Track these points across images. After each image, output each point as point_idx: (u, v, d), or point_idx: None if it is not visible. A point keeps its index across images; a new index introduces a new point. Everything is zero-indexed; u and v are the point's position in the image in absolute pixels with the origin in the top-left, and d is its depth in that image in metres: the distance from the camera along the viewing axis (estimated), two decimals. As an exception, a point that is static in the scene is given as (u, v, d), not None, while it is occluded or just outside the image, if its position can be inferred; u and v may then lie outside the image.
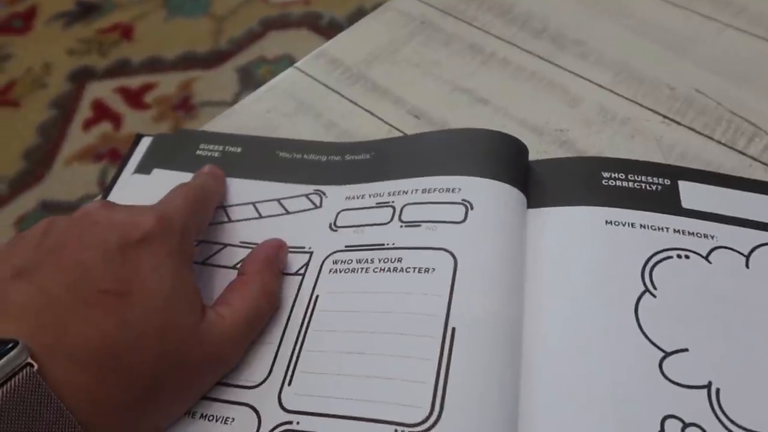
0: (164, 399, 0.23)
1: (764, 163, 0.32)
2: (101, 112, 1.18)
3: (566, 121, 0.35)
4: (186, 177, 0.34)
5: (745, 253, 0.27)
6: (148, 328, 0.22)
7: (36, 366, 0.19)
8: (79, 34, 1.35)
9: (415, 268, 0.26)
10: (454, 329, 0.24)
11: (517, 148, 0.31)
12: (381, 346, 0.24)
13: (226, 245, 0.30)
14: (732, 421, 0.22)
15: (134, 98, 1.19)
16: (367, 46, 0.40)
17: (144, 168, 0.34)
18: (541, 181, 0.30)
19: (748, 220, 0.28)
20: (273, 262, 0.28)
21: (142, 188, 0.34)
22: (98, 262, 0.22)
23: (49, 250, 0.23)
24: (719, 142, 0.33)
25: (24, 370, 0.19)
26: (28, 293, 0.21)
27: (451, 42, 0.40)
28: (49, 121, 1.18)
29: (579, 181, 0.30)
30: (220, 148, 0.35)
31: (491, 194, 0.28)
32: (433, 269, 0.26)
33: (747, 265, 0.26)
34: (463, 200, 0.28)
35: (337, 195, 0.31)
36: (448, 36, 0.40)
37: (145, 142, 0.36)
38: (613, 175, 0.29)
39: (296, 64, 0.40)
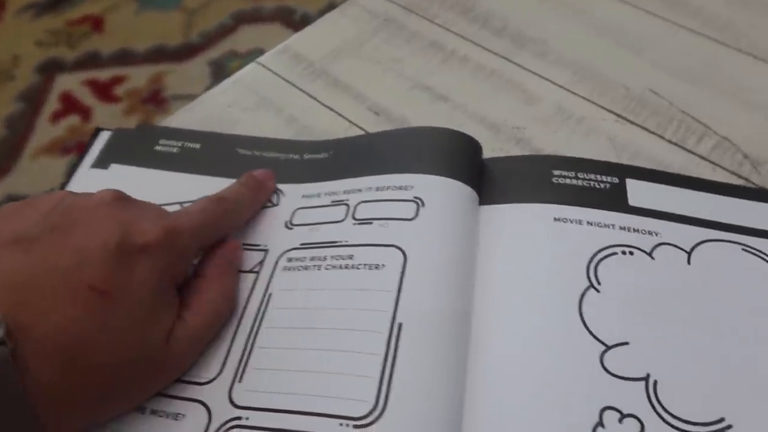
0: (121, 400, 0.23)
1: (712, 162, 0.33)
2: (70, 104, 1.16)
3: (523, 119, 0.35)
4: (144, 173, 0.33)
5: (687, 250, 0.27)
6: (125, 336, 0.22)
7: (10, 345, 0.19)
8: (48, 25, 1.32)
9: (365, 264, 0.27)
10: (401, 324, 0.24)
11: (471, 146, 0.31)
12: (330, 341, 0.24)
13: None
14: (667, 411, 0.23)
15: (104, 91, 1.18)
16: (330, 42, 0.40)
17: (102, 162, 0.34)
18: (494, 178, 0.31)
19: (691, 217, 0.29)
20: (231, 264, 0.28)
21: (99, 183, 0.33)
22: (96, 256, 0.22)
23: (54, 227, 0.22)
24: (670, 141, 0.34)
25: None
26: (20, 264, 0.21)
27: (413, 39, 0.40)
28: (17, 113, 1.16)
29: (530, 179, 0.30)
30: (179, 143, 0.34)
31: (443, 191, 0.29)
32: (383, 265, 0.26)
33: (689, 261, 0.27)
34: (415, 197, 0.28)
35: (294, 193, 0.31)
36: (410, 33, 0.41)
37: (104, 136, 0.36)
38: (563, 174, 0.30)
39: (259, 59, 0.40)
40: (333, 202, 0.30)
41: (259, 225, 0.30)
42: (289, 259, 0.28)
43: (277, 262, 0.28)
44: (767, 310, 0.26)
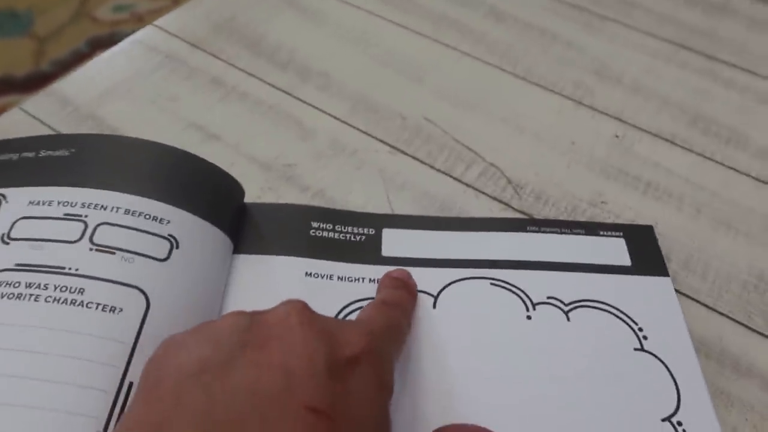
0: None
1: (476, 189, 0.33)
2: None
3: (296, 155, 0.34)
4: None
5: (435, 294, 0.27)
6: None
7: None
8: None
9: (98, 304, 0.23)
10: (131, 384, 0.22)
11: (234, 190, 0.30)
12: (41, 396, 0.21)
13: None
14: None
15: (-62, 129, 1.08)
16: (103, 83, 0.38)
17: None
18: (252, 226, 0.29)
19: (442, 259, 0.29)
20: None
21: None
22: (305, 374, 0.19)
23: (245, 345, 0.19)
24: (439, 170, 0.34)
25: None
26: (217, 394, 0.18)
27: (194, 76, 0.39)
28: None
29: (288, 230, 0.29)
30: None
31: (200, 235, 0.27)
32: (120, 309, 0.23)
33: (434, 305, 0.27)
34: (170, 235, 0.26)
35: (19, 199, 0.26)
36: (191, 70, 0.39)
37: None
38: (321, 226, 0.29)
39: (21, 105, 0.37)
40: (67, 215, 0.25)
41: None
42: None
43: None
44: (512, 340, 0.26)
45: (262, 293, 0.27)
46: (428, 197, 0.33)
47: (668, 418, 0.24)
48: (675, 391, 0.25)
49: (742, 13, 0.47)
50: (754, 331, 0.29)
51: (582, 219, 0.32)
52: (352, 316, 0.26)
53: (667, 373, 0.25)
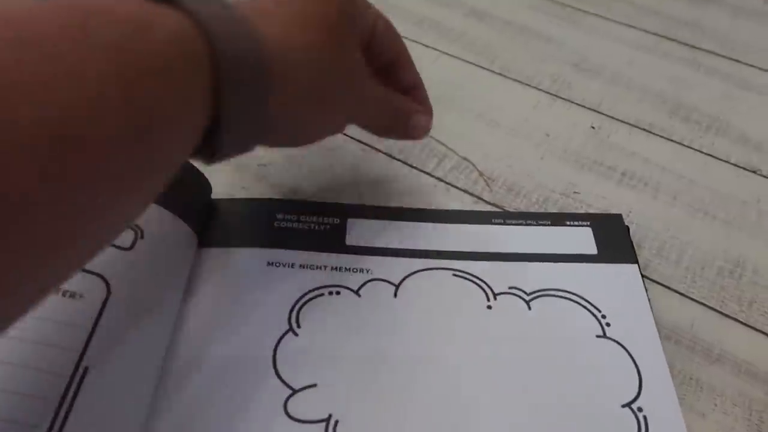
0: None
1: (447, 183, 0.33)
2: None
3: (270, 156, 0.35)
4: None
5: (396, 283, 0.27)
6: None
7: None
8: None
9: (60, 289, 0.24)
10: (86, 369, 0.22)
11: (201, 186, 0.30)
12: None
13: None
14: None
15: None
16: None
17: None
18: (218, 220, 0.30)
19: (403, 249, 0.29)
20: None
21: None
22: None
23: None
24: (412, 166, 0.34)
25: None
26: None
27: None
28: None
29: (252, 223, 0.30)
30: None
31: (165, 227, 0.27)
32: (81, 295, 0.24)
33: (395, 295, 0.27)
34: (135, 225, 0.26)
35: None
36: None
37: None
38: (285, 217, 0.30)
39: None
40: None
41: None
42: None
43: None
44: (471, 329, 0.26)
45: (224, 284, 0.27)
46: (399, 192, 0.33)
47: (628, 404, 0.24)
48: (637, 378, 0.25)
49: (726, 2, 0.46)
50: (727, 316, 0.28)
51: (553, 210, 0.32)
52: (314, 302, 0.27)
53: (630, 359, 0.25)
